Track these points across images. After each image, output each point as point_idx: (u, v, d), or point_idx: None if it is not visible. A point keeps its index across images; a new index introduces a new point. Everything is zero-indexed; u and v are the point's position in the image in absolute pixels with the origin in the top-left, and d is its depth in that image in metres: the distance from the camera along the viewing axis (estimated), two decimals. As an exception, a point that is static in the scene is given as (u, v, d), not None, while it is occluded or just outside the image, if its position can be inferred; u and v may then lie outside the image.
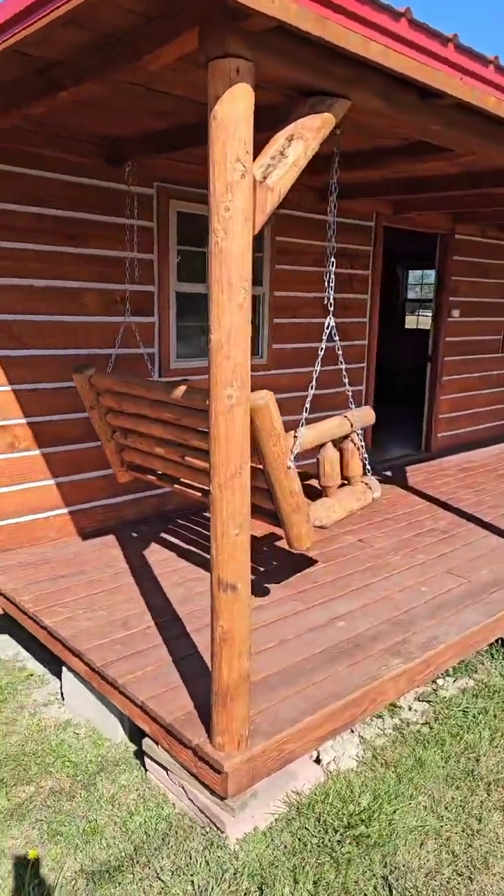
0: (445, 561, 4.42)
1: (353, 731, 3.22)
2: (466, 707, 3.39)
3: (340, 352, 3.21)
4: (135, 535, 4.72)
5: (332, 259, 3.04)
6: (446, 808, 2.72)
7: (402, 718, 3.34)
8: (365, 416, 3.46)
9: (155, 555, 4.38)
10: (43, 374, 4.26)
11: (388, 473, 6.65)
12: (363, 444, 3.43)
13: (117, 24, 2.18)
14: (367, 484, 3.50)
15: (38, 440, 4.32)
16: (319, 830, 2.58)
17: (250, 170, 2.06)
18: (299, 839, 2.54)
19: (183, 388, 3.38)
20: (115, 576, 4.03)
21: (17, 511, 4.31)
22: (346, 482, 3.49)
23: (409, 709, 3.43)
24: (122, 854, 2.48)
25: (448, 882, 2.38)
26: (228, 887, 2.34)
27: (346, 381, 3.38)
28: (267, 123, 2.26)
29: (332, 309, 3.07)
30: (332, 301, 3.10)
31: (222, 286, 2.12)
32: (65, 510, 4.55)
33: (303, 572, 4.19)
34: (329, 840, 2.53)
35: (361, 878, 2.38)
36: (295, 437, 3.09)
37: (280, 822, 2.62)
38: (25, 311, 4.13)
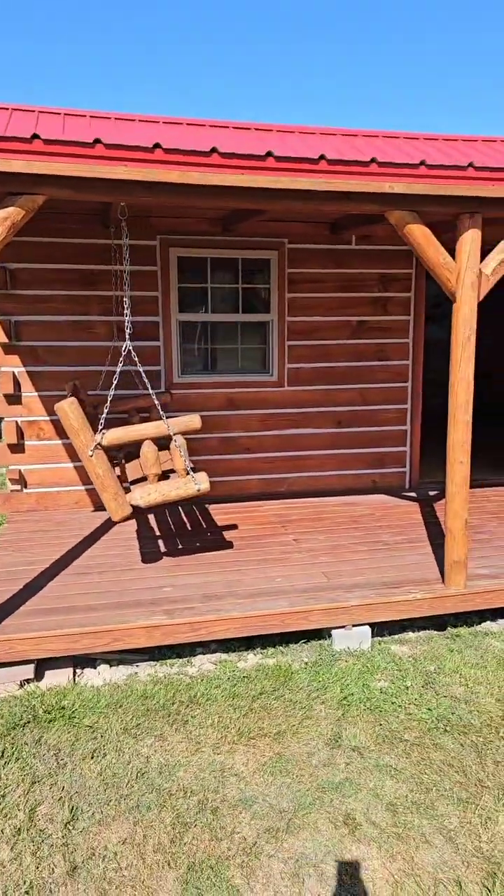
0: (339, 565, 4.75)
1: (137, 666, 4.05)
2: (239, 676, 3.92)
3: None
4: (131, 512, 6.00)
5: (127, 287, 3.99)
6: (119, 720, 3.48)
7: (183, 671, 4.03)
8: (184, 422, 4.24)
9: (126, 528, 5.61)
10: (59, 384, 5.88)
11: (434, 493, 6.69)
12: (184, 443, 4.23)
13: None
14: (192, 478, 4.26)
15: (59, 433, 5.92)
16: (24, 709, 3.60)
17: None
18: (9, 710, 3.61)
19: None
20: (74, 536, 5.40)
21: (42, 483, 5.97)
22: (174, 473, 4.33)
23: (198, 666, 4.09)
24: None
25: (64, 758, 3.23)
26: None
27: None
28: None
29: (129, 332, 4.03)
30: (130, 325, 4.06)
31: None
32: (81, 487, 6.07)
33: (212, 552, 5.00)
34: (24, 716, 3.55)
35: (25, 748, 3.37)
36: (102, 432, 4.10)
37: (8, 698, 3.71)
38: (48, 339, 5.79)
